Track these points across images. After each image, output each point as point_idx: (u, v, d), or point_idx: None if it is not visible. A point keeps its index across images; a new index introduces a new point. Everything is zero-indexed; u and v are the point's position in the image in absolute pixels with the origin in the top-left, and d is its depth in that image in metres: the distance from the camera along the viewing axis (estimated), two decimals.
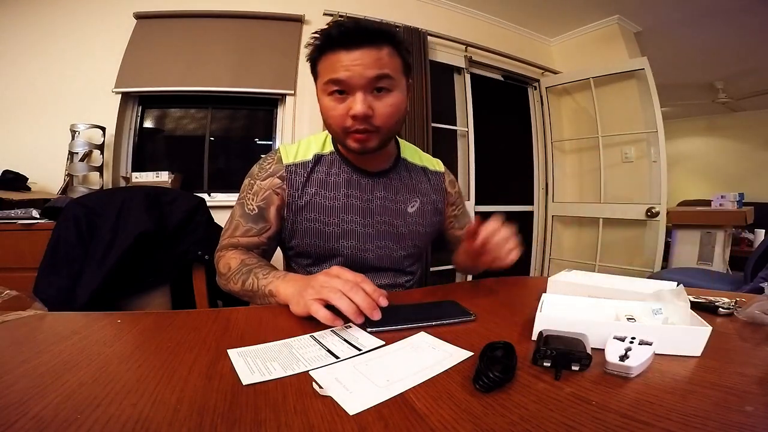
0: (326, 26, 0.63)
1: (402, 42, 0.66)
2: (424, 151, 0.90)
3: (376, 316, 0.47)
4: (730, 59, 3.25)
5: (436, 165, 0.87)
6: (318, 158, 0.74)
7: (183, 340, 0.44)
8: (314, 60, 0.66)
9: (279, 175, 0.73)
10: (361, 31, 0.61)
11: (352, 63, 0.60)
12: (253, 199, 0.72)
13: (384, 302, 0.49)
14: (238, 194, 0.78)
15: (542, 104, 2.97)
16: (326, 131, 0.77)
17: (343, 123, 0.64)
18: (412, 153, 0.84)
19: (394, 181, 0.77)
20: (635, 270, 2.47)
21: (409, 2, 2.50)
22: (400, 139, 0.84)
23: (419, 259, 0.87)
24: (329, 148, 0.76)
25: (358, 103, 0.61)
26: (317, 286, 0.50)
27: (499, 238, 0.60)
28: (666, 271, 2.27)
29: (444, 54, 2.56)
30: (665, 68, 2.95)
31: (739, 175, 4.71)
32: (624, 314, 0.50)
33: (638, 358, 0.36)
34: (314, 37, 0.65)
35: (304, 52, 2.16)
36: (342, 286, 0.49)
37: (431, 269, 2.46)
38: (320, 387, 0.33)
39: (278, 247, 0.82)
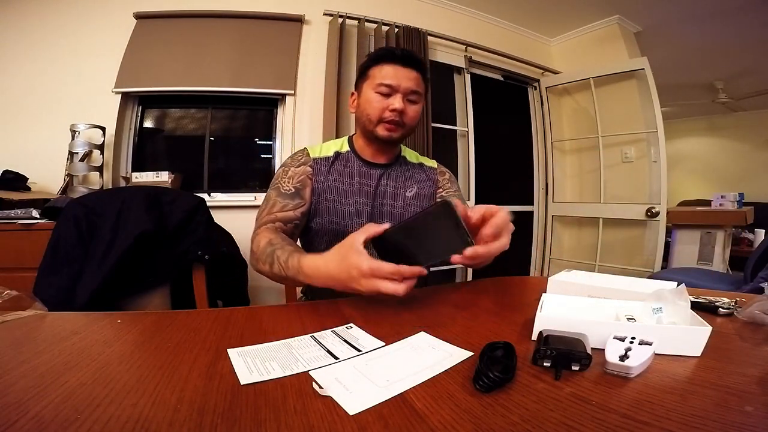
0: (385, 47, 0.89)
1: (427, 71, 0.91)
2: (422, 152, 1.07)
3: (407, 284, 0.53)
4: (730, 59, 3.25)
5: (430, 162, 1.05)
6: (337, 155, 0.94)
7: (183, 340, 0.44)
8: (368, 66, 0.88)
9: (309, 165, 0.90)
10: (413, 57, 0.87)
11: (401, 75, 0.84)
12: (288, 182, 0.87)
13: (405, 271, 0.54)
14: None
15: (542, 104, 2.97)
16: (343, 138, 0.98)
17: (381, 113, 0.85)
18: (410, 154, 1.03)
19: (395, 172, 0.96)
20: (635, 270, 2.47)
21: (409, 2, 2.50)
22: (401, 145, 1.02)
23: None
24: (346, 147, 0.96)
25: (398, 101, 0.84)
26: (363, 283, 0.54)
27: (495, 220, 0.58)
28: (666, 271, 2.27)
29: (444, 54, 2.56)
30: (665, 68, 2.95)
31: (739, 175, 4.71)
32: (624, 314, 0.50)
33: (638, 358, 0.36)
34: (377, 50, 0.91)
35: (304, 52, 2.20)
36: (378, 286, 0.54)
37: (430, 269, 2.46)
38: (320, 387, 0.33)
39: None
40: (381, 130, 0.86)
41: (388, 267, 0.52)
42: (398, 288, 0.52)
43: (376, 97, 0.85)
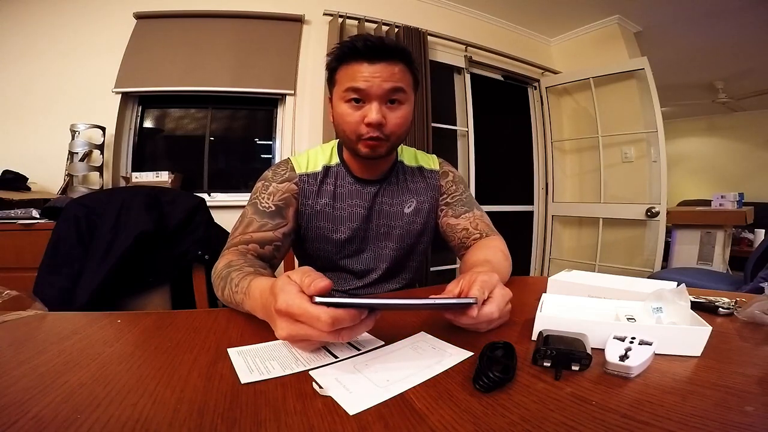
0: (349, 39, 0.69)
1: (414, 60, 0.72)
2: (424, 151, 0.93)
3: (353, 334, 0.38)
4: (730, 59, 3.25)
5: (431, 163, 0.90)
6: (326, 170, 0.80)
7: (183, 340, 0.44)
8: (334, 68, 0.71)
9: (294, 182, 0.78)
10: (384, 46, 0.66)
11: (372, 75, 0.66)
12: (269, 199, 0.75)
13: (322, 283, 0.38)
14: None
15: (542, 104, 2.97)
16: (331, 142, 0.85)
17: (357, 129, 0.69)
18: (408, 156, 0.89)
19: (392, 186, 0.83)
20: (635, 270, 2.47)
21: (409, 2, 2.50)
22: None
23: (417, 257, 0.90)
24: (335, 159, 0.82)
25: (373, 112, 0.66)
26: (278, 324, 0.40)
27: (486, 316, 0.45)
28: (666, 271, 2.26)
29: (444, 54, 2.56)
30: (665, 68, 2.95)
31: (739, 175, 4.71)
32: (624, 314, 0.50)
33: (638, 358, 0.36)
34: (338, 46, 0.70)
35: (304, 52, 2.20)
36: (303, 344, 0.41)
37: (431, 269, 2.46)
38: (320, 387, 0.33)
39: (291, 250, 0.87)
40: (362, 148, 0.70)
41: (314, 310, 0.36)
42: (325, 336, 0.36)
43: (347, 109, 0.69)
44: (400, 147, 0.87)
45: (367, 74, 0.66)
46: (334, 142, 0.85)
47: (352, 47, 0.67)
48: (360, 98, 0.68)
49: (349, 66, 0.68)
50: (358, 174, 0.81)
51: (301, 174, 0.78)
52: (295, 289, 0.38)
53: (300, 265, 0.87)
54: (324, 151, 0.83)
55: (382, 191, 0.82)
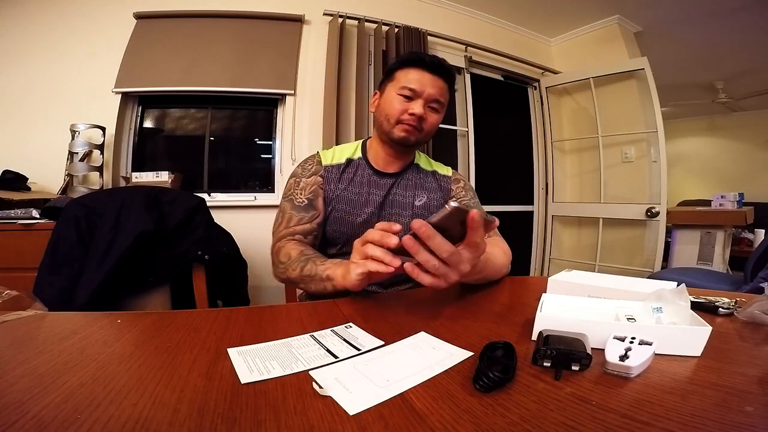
0: (415, 51, 0.89)
1: (454, 83, 0.90)
2: (422, 151, 1.04)
3: (394, 241, 0.51)
4: (730, 59, 3.25)
5: (445, 170, 1.02)
6: (349, 161, 0.93)
7: (183, 340, 0.44)
8: (396, 68, 0.87)
9: (320, 174, 0.90)
10: (442, 65, 0.85)
11: (427, 81, 0.83)
12: (301, 194, 0.87)
13: (396, 227, 0.54)
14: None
15: (542, 104, 2.97)
16: (357, 142, 0.98)
17: (400, 115, 0.84)
18: (424, 161, 1.01)
19: (406, 181, 0.94)
20: (635, 270, 2.47)
21: (409, 2, 2.50)
22: (416, 151, 1.01)
23: None
24: (358, 154, 0.95)
25: (419, 106, 0.83)
26: (355, 258, 0.58)
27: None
28: (666, 271, 2.27)
29: (444, 54, 2.56)
30: (665, 68, 2.96)
31: (739, 175, 4.71)
32: (624, 314, 0.50)
33: (638, 358, 0.36)
34: (408, 54, 0.89)
35: (304, 52, 2.20)
36: (367, 250, 0.54)
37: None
38: (320, 387, 0.33)
39: None
40: (398, 131, 0.85)
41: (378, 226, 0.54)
42: (387, 266, 0.51)
43: (398, 98, 0.84)
44: (417, 153, 1.01)
45: (423, 80, 0.83)
46: (359, 142, 0.98)
47: (420, 57, 0.85)
48: (411, 96, 0.84)
49: (410, 69, 0.85)
50: (377, 167, 0.92)
51: (326, 165, 0.91)
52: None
53: (319, 249, 0.93)
54: (350, 147, 0.96)
55: (397, 184, 0.92)
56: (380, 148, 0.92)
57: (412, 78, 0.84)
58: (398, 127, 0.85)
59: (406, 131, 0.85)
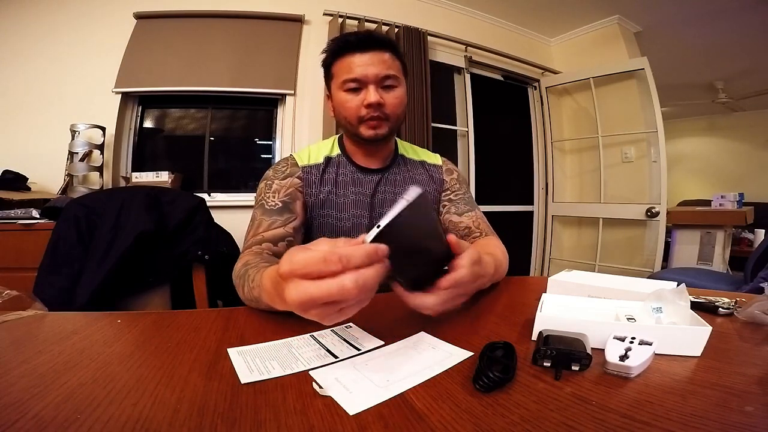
0: (338, 36, 0.76)
1: (399, 48, 0.79)
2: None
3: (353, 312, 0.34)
4: (730, 59, 3.25)
5: (434, 158, 0.93)
6: (328, 160, 0.83)
7: (183, 340, 0.44)
8: (330, 63, 0.77)
9: (297, 176, 0.80)
10: (372, 37, 0.74)
11: (365, 62, 0.72)
12: (274, 197, 0.76)
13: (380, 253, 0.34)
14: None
15: (542, 104, 2.97)
16: (332, 137, 0.87)
17: (358, 112, 0.74)
18: (409, 150, 0.92)
19: (393, 176, 0.85)
20: (635, 270, 2.47)
21: (409, 2, 2.50)
22: (398, 139, 0.91)
23: None
24: (336, 150, 0.85)
25: (372, 94, 0.72)
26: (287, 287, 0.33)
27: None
28: (666, 271, 2.26)
29: (444, 54, 2.56)
30: (665, 68, 2.95)
31: (739, 175, 4.71)
32: (624, 314, 0.50)
33: (638, 358, 0.36)
34: (331, 43, 0.77)
35: (304, 52, 2.20)
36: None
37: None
38: (320, 387, 0.33)
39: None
40: (364, 131, 0.75)
41: (317, 253, 0.31)
42: (345, 283, 0.31)
43: (346, 96, 0.74)
44: (400, 142, 0.91)
45: (361, 63, 0.72)
46: (335, 137, 0.87)
47: (344, 41, 0.74)
48: (357, 86, 0.73)
49: (343, 59, 0.74)
50: (359, 163, 0.83)
51: (303, 166, 0.80)
52: (297, 250, 0.33)
53: None
54: (326, 144, 0.86)
55: (384, 180, 0.84)
56: (355, 147, 0.83)
57: (348, 67, 0.73)
58: (363, 126, 0.75)
59: (373, 128, 0.75)
